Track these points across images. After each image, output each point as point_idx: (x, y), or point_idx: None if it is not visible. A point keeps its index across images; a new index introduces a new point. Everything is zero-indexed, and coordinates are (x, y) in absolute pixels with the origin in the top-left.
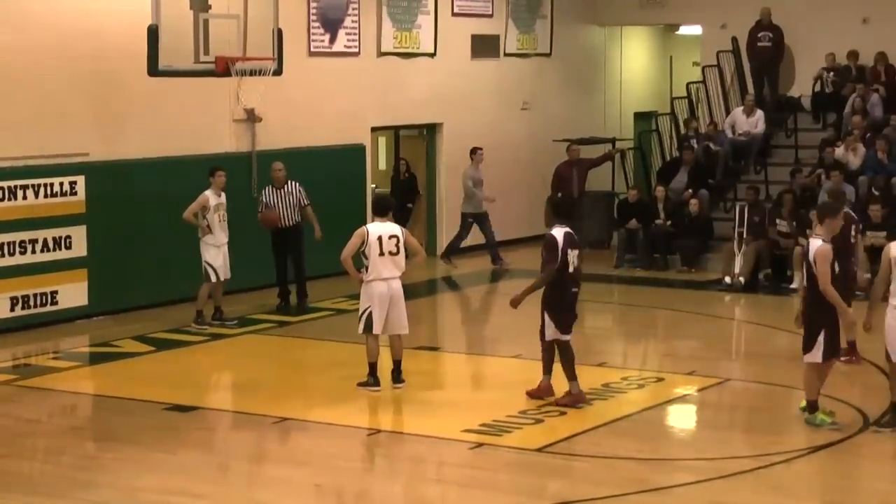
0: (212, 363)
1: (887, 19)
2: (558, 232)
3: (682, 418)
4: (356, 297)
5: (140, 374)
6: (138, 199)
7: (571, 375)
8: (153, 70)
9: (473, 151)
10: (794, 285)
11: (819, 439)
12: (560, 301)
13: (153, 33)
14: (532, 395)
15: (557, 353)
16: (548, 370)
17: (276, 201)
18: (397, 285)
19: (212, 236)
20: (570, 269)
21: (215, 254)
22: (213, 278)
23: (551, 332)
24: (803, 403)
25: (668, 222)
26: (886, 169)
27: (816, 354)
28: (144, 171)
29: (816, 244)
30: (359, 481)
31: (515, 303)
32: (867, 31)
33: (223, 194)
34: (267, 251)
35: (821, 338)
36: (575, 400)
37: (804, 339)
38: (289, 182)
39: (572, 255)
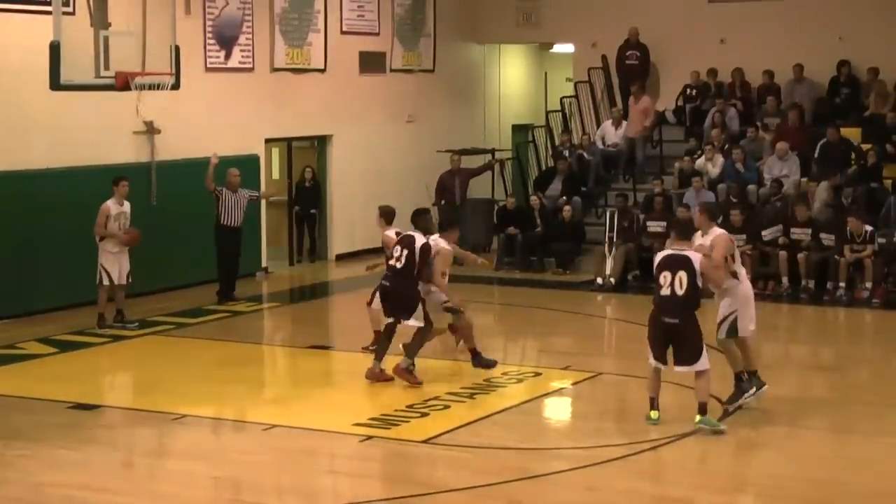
0: (113, 363)
1: (742, 40)
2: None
3: (558, 410)
4: (250, 299)
5: (43, 375)
6: (42, 206)
7: (380, 356)
8: (55, 84)
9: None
10: None
11: (682, 428)
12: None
13: (55, 49)
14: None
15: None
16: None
17: (231, 202)
18: None
19: (110, 242)
20: (388, 262)
21: (112, 259)
22: (106, 282)
23: None
24: (699, 418)
25: (539, 228)
26: (742, 177)
27: (705, 361)
28: (48, 181)
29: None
30: (254, 473)
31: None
32: (725, 50)
33: (126, 203)
34: (165, 257)
35: (704, 345)
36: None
37: (687, 350)
38: (241, 188)
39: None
